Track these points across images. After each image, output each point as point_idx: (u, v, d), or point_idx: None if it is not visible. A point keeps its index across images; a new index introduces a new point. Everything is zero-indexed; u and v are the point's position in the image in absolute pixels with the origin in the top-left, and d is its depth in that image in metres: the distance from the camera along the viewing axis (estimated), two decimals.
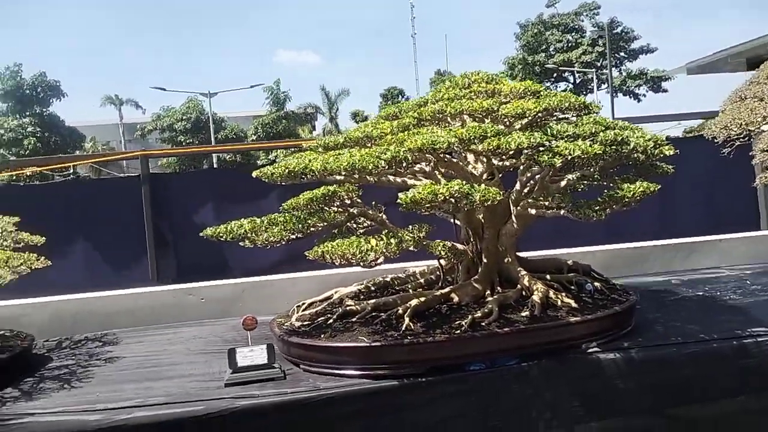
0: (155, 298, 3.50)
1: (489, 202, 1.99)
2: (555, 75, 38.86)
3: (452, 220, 2.77)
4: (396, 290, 2.75)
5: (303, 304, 2.72)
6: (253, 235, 2.24)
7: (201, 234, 2.40)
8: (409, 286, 2.77)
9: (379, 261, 2.09)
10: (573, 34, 38.44)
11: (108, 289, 3.52)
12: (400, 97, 46.25)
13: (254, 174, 2.38)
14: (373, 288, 2.78)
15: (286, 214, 2.36)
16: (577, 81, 39.00)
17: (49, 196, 4.38)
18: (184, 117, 32.12)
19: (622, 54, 39.12)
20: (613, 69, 35.81)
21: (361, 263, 2.07)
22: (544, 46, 38.01)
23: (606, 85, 37.94)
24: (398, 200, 2.03)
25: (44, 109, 31.89)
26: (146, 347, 2.84)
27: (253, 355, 2.25)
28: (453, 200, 1.96)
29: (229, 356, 2.24)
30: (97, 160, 7.89)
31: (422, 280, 2.79)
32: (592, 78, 37.80)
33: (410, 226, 2.31)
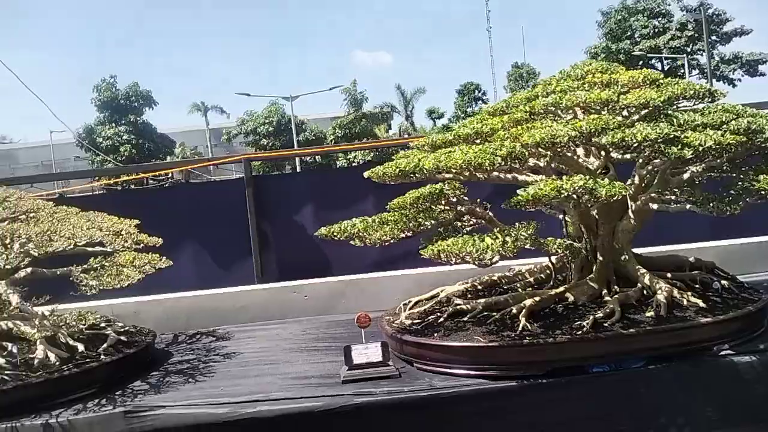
0: (260, 296, 3.61)
1: (614, 198, 1.90)
2: (641, 62, 37.11)
3: (561, 217, 2.69)
4: (504, 289, 2.70)
5: (409, 302, 2.72)
6: (366, 233, 2.25)
7: (315, 233, 2.45)
8: (518, 285, 2.71)
9: (495, 259, 2.05)
10: (660, 19, 36.58)
11: (215, 287, 3.67)
12: (476, 92, 45.74)
13: (366, 174, 2.40)
14: (479, 287, 2.74)
15: (396, 213, 2.36)
16: (666, 68, 37.06)
17: (160, 199, 4.61)
18: (266, 121, 33.23)
19: (714, 38, 36.83)
20: (705, 53, 33.74)
21: (477, 262, 2.03)
22: (628, 33, 36.38)
23: (696, 72, 35.89)
24: (515, 197, 1.99)
25: (138, 118, 33.84)
26: (259, 343, 2.93)
27: (368, 352, 2.27)
28: (575, 196, 1.89)
29: (345, 353, 2.27)
30: (204, 164, 8.25)
31: (531, 279, 2.72)
32: (683, 64, 35.81)
33: (517, 224, 2.26)
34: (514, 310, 2.30)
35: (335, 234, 2.31)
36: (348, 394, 2.13)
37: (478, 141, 2.26)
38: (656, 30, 36.01)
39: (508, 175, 2.39)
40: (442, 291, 2.73)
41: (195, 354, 2.81)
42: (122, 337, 2.65)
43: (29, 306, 2.26)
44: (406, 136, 45.89)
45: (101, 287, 2.40)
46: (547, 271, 2.66)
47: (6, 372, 2.23)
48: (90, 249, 2.60)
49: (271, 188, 4.32)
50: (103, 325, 2.61)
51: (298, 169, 21.85)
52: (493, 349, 2.14)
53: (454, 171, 2.05)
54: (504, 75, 49.69)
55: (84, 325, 2.52)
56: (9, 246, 2.28)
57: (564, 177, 1.97)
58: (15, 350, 2.33)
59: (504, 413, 2.12)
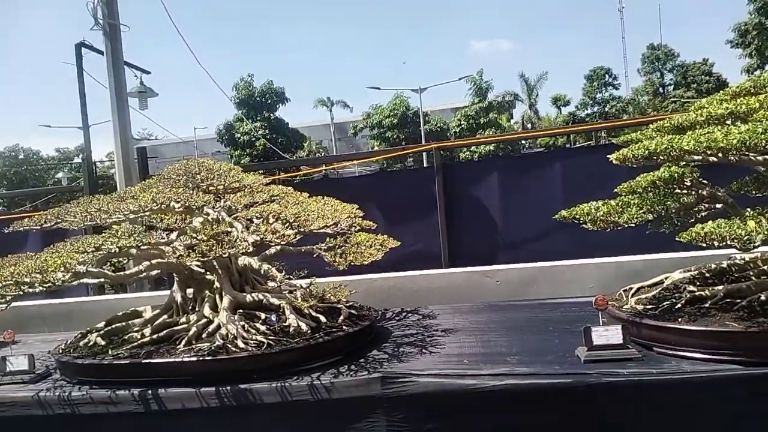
0: (453, 279, 3.75)
1: None
2: None
3: None
4: (735, 277, 2.61)
5: (630, 288, 2.71)
6: (610, 216, 2.26)
7: (554, 217, 2.49)
8: (751, 273, 2.60)
9: (757, 243, 1.99)
10: None
11: (403, 270, 3.85)
12: (607, 76, 43.45)
13: (612, 157, 2.40)
14: (707, 274, 2.66)
15: (636, 197, 2.35)
16: None
17: (354, 186, 4.91)
18: (391, 113, 33.81)
19: None
20: None
21: (741, 245, 1.98)
22: None
23: None
24: None
25: (271, 114, 35.68)
26: (470, 321, 3.05)
27: (608, 334, 2.30)
28: None
29: (585, 334, 2.31)
30: (390, 155, 8.63)
31: (765, 267, 2.60)
32: None
33: (749, 210, 2.18)
34: (763, 297, 2.23)
35: (577, 217, 2.35)
36: (594, 373, 2.17)
37: (728, 122, 2.20)
38: None
39: (759, 157, 2.30)
40: (666, 278, 2.69)
41: (414, 329, 2.98)
42: (352, 311, 2.88)
43: (292, 279, 2.52)
44: (529, 125, 44.76)
45: (347, 264, 2.61)
46: None
47: (270, 337, 2.50)
48: (328, 230, 2.82)
49: (459, 175, 4.44)
50: (334, 299, 2.82)
51: (425, 164, 22.19)
52: (750, 335, 2.08)
53: (718, 152, 2.00)
54: (637, 57, 46.96)
55: (322, 298, 2.75)
56: (270, 223, 2.54)
57: None
58: (273, 318, 2.61)
59: (756, 399, 2.06)
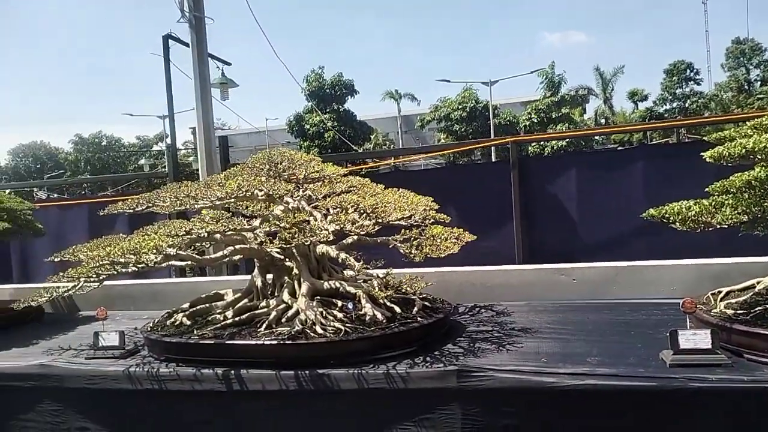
0: (527, 276, 3.69)
1: None
2: None
3: None
4: None
5: (719, 291, 2.59)
6: (702, 217, 2.17)
7: (642, 215, 2.41)
8: None
9: None
10: None
11: (474, 265, 3.82)
12: (688, 71, 41.47)
13: (706, 155, 2.30)
14: None
15: (733, 197, 2.24)
16: None
17: (431, 178, 4.92)
18: (460, 106, 33.54)
19: None
20: None
21: None
22: None
23: None
24: None
25: (340, 106, 36.14)
26: (543, 321, 3.00)
27: (695, 338, 2.21)
28: None
29: (671, 337, 2.23)
30: (465, 148, 8.65)
31: None
32: None
33: None
34: None
35: (667, 216, 2.26)
36: (680, 377, 2.10)
37: None
38: None
39: None
40: (758, 282, 2.55)
41: (489, 325, 2.96)
42: (426, 303, 2.89)
43: (369, 269, 2.56)
44: (603, 120, 43.29)
45: (423, 256, 2.62)
46: None
47: (347, 325, 2.55)
48: (403, 222, 2.84)
49: (535, 170, 4.36)
50: (409, 290, 2.84)
51: (493, 158, 21.88)
52: None
53: None
54: (721, 52, 44.65)
55: (398, 289, 2.78)
56: (349, 213, 2.59)
57: None
58: (351, 306, 2.65)
59: None
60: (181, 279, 4.63)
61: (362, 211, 2.60)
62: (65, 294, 2.82)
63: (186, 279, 4.49)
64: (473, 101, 33.65)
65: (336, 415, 2.46)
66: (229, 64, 8.19)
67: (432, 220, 2.94)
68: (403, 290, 2.61)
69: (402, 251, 2.72)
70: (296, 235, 2.43)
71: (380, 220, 2.51)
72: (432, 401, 2.33)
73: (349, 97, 36.03)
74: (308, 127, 35.56)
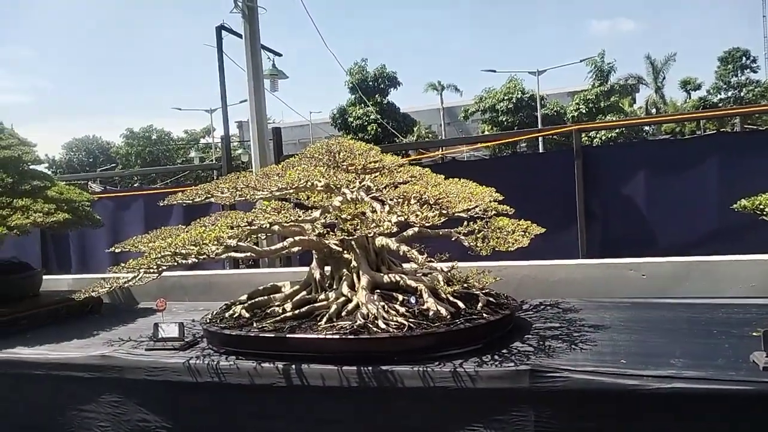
0: (592, 271, 3.51)
1: None
2: None
3: None
4: None
5: None
6: None
7: (733, 207, 2.24)
8: None
9: None
10: None
11: (539, 258, 3.65)
12: (744, 59, 39.80)
13: None
14: None
15: None
16: None
17: (489, 168, 4.78)
18: (505, 97, 33.06)
19: None
20: None
21: None
22: None
23: None
24: None
25: (383, 99, 36.09)
26: (615, 319, 2.84)
27: None
28: None
29: (765, 339, 2.05)
30: (531, 136, 8.48)
31: None
32: None
33: None
34: None
35: (762, 207, 2.08)
36: None
37: None
38: None
39: None
40: None
41: (557, 322, 2.82)
42: (490, 299, 2.76)
43: (433, 262, 2.45)
44: (654, 110, 41.92)
45: (490, 250, 2.50)
46: None
47: (409, 320, 2.45)
48: (464, 214, 2.72)
49: (601, 160, 4.17)
50: (477, 285, 2.72)
51: (540, 149, 21.41)
52: None
53: None
54: None
55: (460, 283, 2.66)
56: (411, 204, 2.48)
57: None
58: (413, 300, 2.55)
59: None
60: (234, 270, 4.62)
61: (425, 202, 2.49)
62: (125, 285, 2.81)
63: (239, 270, 4.48)
64: (519, 92, 33.11)
65: (399, 414, 2.37)
66: (279, 54, 8.20)
67: (493, 212, 2.81)
68: (469, 285, 2.50)
69: (466, 244, 2.60)
70: (359, 227, 2.34)
71: (446, 212, 2.39)
72: (502, 402, 2.21)
73: (392, 89, 35.96)
74: (351, 119, 35.63)
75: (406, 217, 2.38)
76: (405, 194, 2.53)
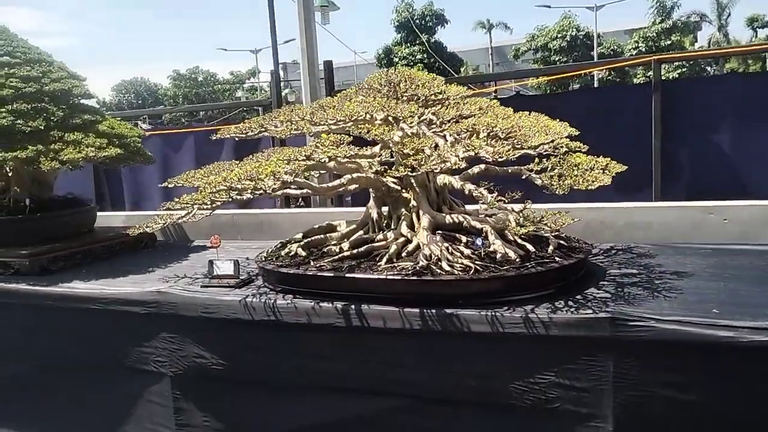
0: (668, 215, 3.26)
1: None
2: None
3: None
4: None
5: None
6: None
7: None
8: None
9: None
10: None
11: (613, 201, 3.40)
12: None
13: None
14: None
15: None
16: None
17: (561, 103, 4.49)
18: (558, 35, 31.54)
19: None
20: None
21: None
22: None
23: None
24: None
25: (430, 37, 35.02)
26: (697, 266, 2.62)
27: None
28: None
29: None
30: (608, 66, 8.06)
31: None
32: None
33: None
34: None
35: None
36: None
37: None
38: None
39: None
40: None
41: (633, 268, 2.61)
42: (561, 242, 2.58)
43: (503, 202, 2.27)
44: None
45: (567, 189, 2.29)
46: None
47: (476, 262, 2.29)
48: (535, 150, 2.50)
49: (683, 95, 3.82)
50: (553, 227, 2.53)
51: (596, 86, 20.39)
52: None
53: None
54: None
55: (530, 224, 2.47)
56: (480, 138, 2.29)
57: None
58: (479, 242, 2.39)
59: None
60: (286, 210, 4.54)
61: (494, 136, 2.28)
62: (179, 221, 2.73)
63: (291, 210, 4.39)
64: (574, 29, 31.54)
65: (464, 359, 2.25)
66: None
67: (564, 149, 2.59)
68: (540, 227, 2.31)
69: (539, 182, 2.40)
70: (424, 162, 2.16)
71: (521, 146, 2.18)
72: (578, 351, 2.06)
73: (440, 27, 34.80)
74: (397, 60, 34.81)
75: (475, 151, 2.19)
76: (474, 127, 2.32)
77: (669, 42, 30.15)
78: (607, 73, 25.61)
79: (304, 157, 2.24)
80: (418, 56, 34.00)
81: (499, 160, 2.13)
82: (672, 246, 2.98)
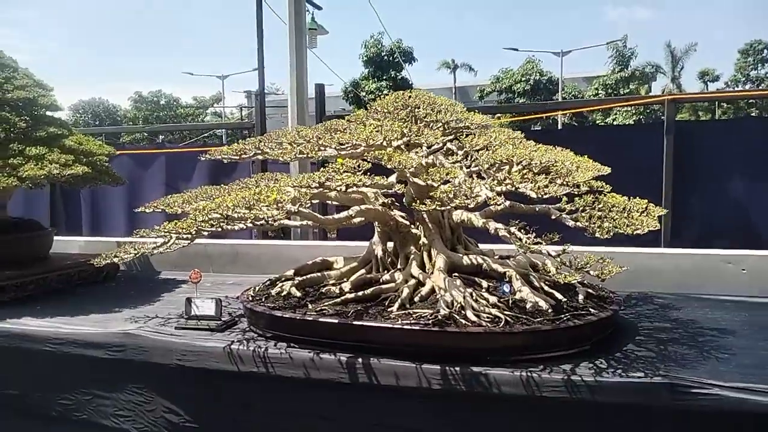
0: (681, 262, 3.06)
1: None
2: None
3: None
4: None
5: None
6: None
7: None
8: None
9: None
10: None
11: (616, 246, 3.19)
12: (765, 51, 39.08)
13: None
14: None
15: None
16: None
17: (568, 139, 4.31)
18: (522, 78, 32.24)
19: None
20: None
21: None
22: None
23: None
24: None
25: (397, 74, 35.27)
26: (733, 320, 2.40)
27: None
28: None
29: None
30: (626, 104, 7.94)
31: None
32: None
33: None
34: None
35: None
36: None
37: None
38: None
39: None
40: None
41: (663, 322, 2.38)
42: (589, 290, 2.33)
43: (541, 244, 2.00)
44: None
45: (607, 232, 2.04)
46: None
47: (505, 312, 2.01)
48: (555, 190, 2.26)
49: (695, 136, 3.68)
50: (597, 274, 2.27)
51: (559, 127, 20.63)
52: None
53: None
54: None
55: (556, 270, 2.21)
56: (506, 170, 2.03)
57: None
58: (507, 289, 2.11)
59: None
60: (265, 241, 4.18)
61: (530, 170, 2.03)
62: (155, 252, 2.37)
63: (272, 241, 4.04)
64: (537, 73, 32.33)
65: (494, 426, 1.95)
66: (319, 8, 7.59)
67: (587, 188, 2.35)
68: (585, 273, 2.04)
69: (570, 224, 2.15)
70: (455, 195, 1.89)
71: (564, 181, 1.93)
72: (630, 421, 1.79)
73: (407, 64, 35.12)
74: (364, 94, 34.86)
75: (513, 186, 1.93)
76: (509, 158, 2.06)
77: (627, 90, 31.23)
78: (569, 117, 26.25)
79: (318, 184, 1.94)
80: (385, 92, 34.14)
81: (544, 197, 1.87)
82: (686, 295, 2.78)
